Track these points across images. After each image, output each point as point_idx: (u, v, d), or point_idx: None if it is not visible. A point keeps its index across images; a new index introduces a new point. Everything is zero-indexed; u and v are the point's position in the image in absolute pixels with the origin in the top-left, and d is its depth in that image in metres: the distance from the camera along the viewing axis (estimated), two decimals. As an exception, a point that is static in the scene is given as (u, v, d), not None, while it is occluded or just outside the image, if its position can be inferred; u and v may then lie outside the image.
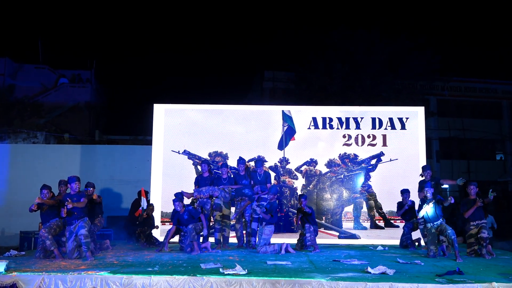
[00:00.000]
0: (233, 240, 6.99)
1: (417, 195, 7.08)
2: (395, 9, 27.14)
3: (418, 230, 6.96)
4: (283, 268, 4.60)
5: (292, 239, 7.25)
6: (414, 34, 15.13)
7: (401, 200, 7.06)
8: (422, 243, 6.92)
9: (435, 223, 5.69)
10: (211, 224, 6.96)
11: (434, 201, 5.73)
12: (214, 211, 6.71)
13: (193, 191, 6.72)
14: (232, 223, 6.89)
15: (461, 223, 6.80)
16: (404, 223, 7.05)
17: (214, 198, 6.67)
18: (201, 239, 6.20)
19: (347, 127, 7.87)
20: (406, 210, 6.90)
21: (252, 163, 7.52)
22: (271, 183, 6.88)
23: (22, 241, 7.50)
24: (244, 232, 6.76)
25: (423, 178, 6.65)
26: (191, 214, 6.05)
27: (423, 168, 6.87)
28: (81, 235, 5.27)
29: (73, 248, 5.34)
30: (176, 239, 6.53)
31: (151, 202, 7.23)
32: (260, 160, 6.92)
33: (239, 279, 3.93)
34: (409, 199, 6.97)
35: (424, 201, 5.85)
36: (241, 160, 6.88)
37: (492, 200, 5.89)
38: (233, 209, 6.85)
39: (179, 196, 6.15)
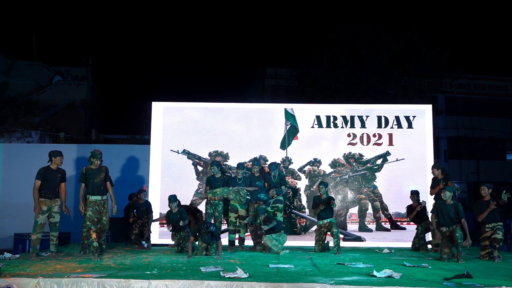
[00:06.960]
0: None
1: (424, 195, 6.93)
2: (403, 2, 26.67)
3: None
4: (285, 271, 4.50)
5: (295, 241, 7.13)
6: (422, 29, 14.85)
7: (410, 202, 6.91)
8: None
9: (450, 227, 5.57)
10: (223, 227, 6.82)
11: (451, 204, 5.60)
12: (229, 212, 6.60)
13: (206, 192, 6.61)
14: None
15: (473, 228, 6.65)
16: (416, 225, 6.89)
17: (230, 199, 6.56)
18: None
19: (352, 126, 7.70)
20: (418, 212, 6.74)
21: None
22: (285, 185, 6.85)
23: (16, 244, 7.37)
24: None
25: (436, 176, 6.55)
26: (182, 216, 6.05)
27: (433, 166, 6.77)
28: None
29: None
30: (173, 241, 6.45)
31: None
32: (274, 163, 6.87)
33: (240, 283, 3.82)
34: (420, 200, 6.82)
35: (440, 203, 5.70)
36: (256, 162, 6.89)
37: (506, 201, 5.75)
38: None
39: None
